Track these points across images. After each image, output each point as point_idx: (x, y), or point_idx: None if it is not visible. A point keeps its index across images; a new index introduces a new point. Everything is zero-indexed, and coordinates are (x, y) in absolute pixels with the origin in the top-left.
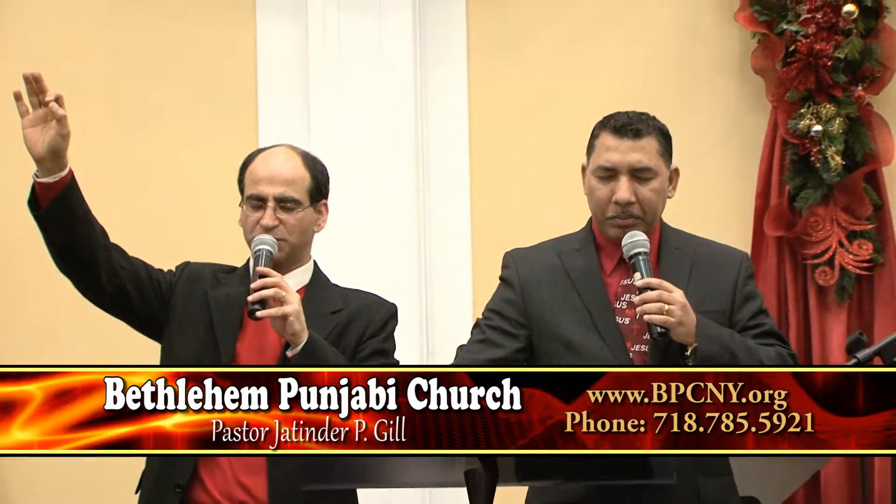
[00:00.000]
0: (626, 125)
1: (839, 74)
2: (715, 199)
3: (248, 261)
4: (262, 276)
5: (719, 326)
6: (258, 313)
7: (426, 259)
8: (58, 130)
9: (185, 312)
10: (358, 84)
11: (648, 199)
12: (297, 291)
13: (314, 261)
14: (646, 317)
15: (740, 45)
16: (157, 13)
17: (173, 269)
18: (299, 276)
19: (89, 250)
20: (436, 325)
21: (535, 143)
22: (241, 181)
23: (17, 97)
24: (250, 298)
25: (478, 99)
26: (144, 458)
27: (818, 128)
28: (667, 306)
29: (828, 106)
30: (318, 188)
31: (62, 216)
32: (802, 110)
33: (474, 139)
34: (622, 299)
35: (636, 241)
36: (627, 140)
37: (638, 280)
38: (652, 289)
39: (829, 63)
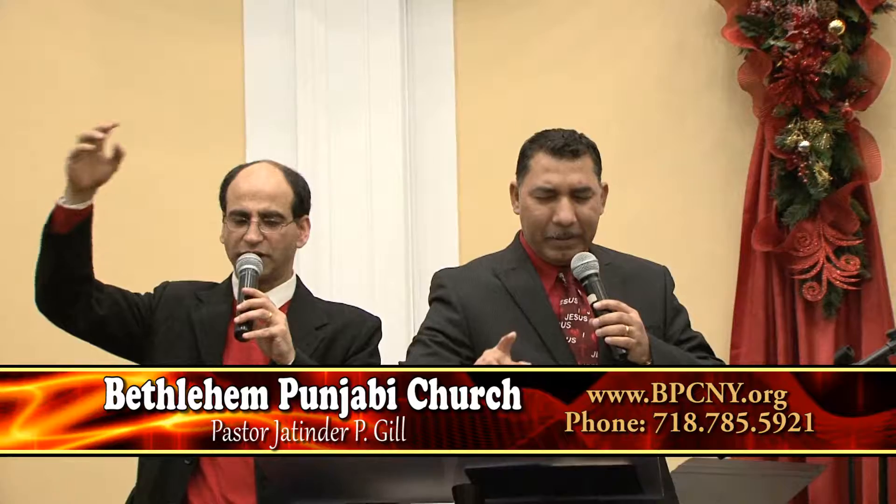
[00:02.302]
0: (565, 146)
1: (826, 90)
2: (703, 214)
3: (231, 277)
4: (248, 296)
5: (667, 344)
6: (245, 335)
7: (414, 277)
8: (114, 166)
9: (168, 334)
10: (345, 100)
11: (588, 218)
12: (281, 307)
13: (296, 276)
14: (608, 339)
15: (727, 61)
16: (143, 27)
17: (151, 291)
18: (283, 292)
19: (84, 278)
20: None
21: None
22: (222, 198)
23: (88, 139)
24: (237, 320)
25: (466, 115)
26: (136, 476)
27: (805, 143)
28: (627, 327)
29: (815, 121)
30: (301, 203)
31: (81, 241)
32: (790, 126)
33: (463, 156)
34: (566, 319)
35: (587, 262)
36: (566, 161)
37: (595, 302)
38: (610, 310)
39: (816, 79)
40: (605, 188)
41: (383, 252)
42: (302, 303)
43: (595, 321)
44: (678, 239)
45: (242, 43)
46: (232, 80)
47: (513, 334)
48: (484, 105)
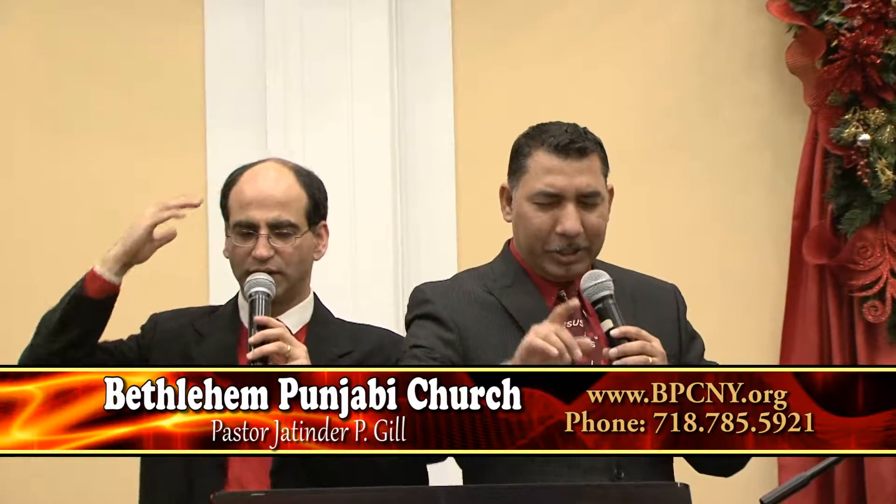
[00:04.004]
0: (571, 143)
1: (890, 74)
2: (744, 220)
3: (236, 299)
4: (261, 326)
5: None
6: None
7: (405, 295)
8: (156, 248)
9: None
10: (324, 88)
11: (596, 228)
12: (299, 332)
13: (314, 293)
14: None
15: (773, 41)
16: (89, 5)
17: (138, 332)
18: (299, 314)
19: (95, 345)
20: None
21: None
22: (224, 206)
23: (174, 213)
24: (250, 357)
25: (464, 107)
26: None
27: (866, 137)
28: (650, 359)
29: (877, 111)
30: (317, 208)
31: (109, 310)
32: (847, 116)
33: (461, 149)
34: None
35: (601, 283)
36: (572, 160)
37: (612, 329)
38: (630, 339)
39: (878, 61)
40: (612, 192)
41: (368, 266)
42: (322, 326)
43: (612, 351)
44: (714, 251)
45: (203, 22)
46: (190, 66)
47: (575, 301)
48: (485, 94)
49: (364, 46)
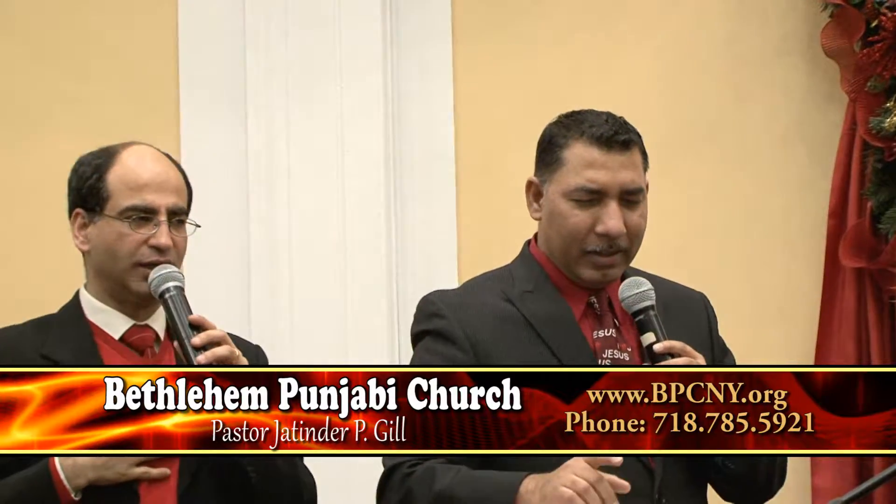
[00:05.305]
0: (616, 134)
1: None
2: (775, 219)
3: (77, 301)
4: (197, 326)
5: None
6: None
7: (398, 300)
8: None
9: None
10: (310, 70)
11: (638, 228)
12: (167, 335)
13: None
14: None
15: (807, 22)
16: None
17: None
18: (161, 322)
19: None
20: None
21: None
22: (97, 189)
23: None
24: (203, 361)
25: (466, 91)
26: None
27: None
28: None
29: None
30: (191, 200)
31: None
32: (888, 104)
33: (461, 138)
34: (604, 357)
35: (644, 292)
36: (616, 154)
37: (654, 343)
38: (673, 355)
39: None
40: (646, 186)
41: (359, 267)
42: None
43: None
44: (743, 251)
45: None
46: (162, 41)
47: (619, 460)
48: (488, 78)
49: (355, 24)
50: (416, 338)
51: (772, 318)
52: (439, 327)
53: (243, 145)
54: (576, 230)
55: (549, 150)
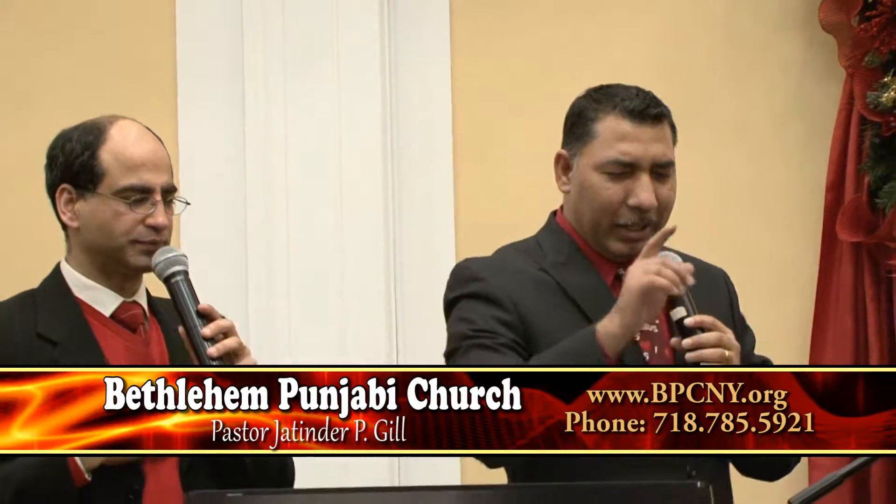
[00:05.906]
0: (648, 107)
1: None
2: (772, 194)
3: (53, 280)
4: (205, 315)
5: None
6: None
7: (397, 265)
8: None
9: None
10: (307, 52)
11: (668, 201)
12: (150, 313)
13: None
14: (706, 365)
15: None
16: None
17: None
18: (145, 298)
19: None
20: (408, 350)
21: (537, 126)
22: (89, 166)
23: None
24: (215, 353)
25: (464, 72)
26: None
27: None
28: (727, 352)
29: None
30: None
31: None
32: (886, 79)
33: (458, 123)
34: None
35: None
36: (647, 127)
37: (685, 317)
38: (705, 329)
39: None
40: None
41: (357, 251)
42: (165, 307)
43: (687, 341)
44: (740, 226)
45: None
46: (159, 24)
47: (673, 226)
48: (487, 58)
49: (352, 3)
50: (452, 303)
51: (770, 293)
52: (479, 290)
53: (239, 129)
54: (608, 203)
55: (579, 124)
